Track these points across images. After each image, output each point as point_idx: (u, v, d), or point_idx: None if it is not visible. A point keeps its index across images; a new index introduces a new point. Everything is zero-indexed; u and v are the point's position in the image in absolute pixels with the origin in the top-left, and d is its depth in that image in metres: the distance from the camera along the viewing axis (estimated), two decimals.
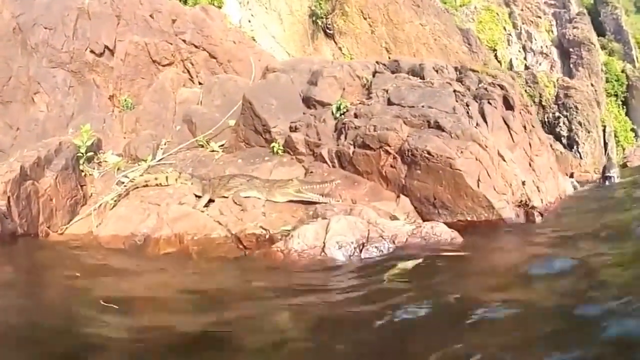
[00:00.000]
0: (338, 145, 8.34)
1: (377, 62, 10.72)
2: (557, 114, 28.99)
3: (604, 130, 30.98)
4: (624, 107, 36.40)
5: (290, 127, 9.31)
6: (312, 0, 17.56)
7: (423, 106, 8.06)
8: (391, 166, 7.48)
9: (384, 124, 7.77)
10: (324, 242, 5.43)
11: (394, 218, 6.58)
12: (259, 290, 4.65)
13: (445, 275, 4.53)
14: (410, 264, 4.64)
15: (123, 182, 8.44)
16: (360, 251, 5.36)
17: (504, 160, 7.35)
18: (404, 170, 7.31)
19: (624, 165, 31.01)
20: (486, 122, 8.09)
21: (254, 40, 14.73)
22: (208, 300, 4.27)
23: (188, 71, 12.46)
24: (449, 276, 4.48)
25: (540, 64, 34.11)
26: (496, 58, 31.47)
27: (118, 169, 9.01)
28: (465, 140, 7.15)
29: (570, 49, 34.72)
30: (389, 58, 17.54)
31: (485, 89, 8.84)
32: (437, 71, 9.64)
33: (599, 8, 42.50)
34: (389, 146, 7.49)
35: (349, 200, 7.28)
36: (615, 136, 33.15)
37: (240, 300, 4.25)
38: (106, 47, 11.66)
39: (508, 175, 7.19)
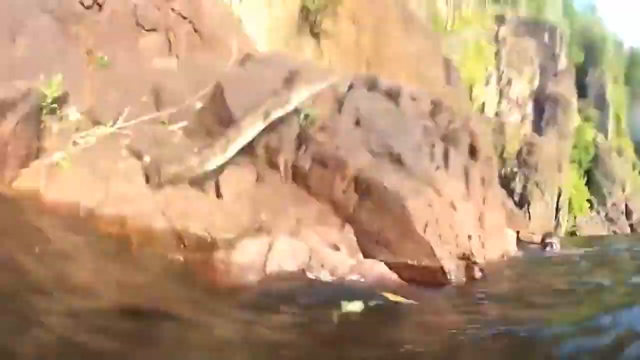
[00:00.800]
0: (297, 156, 8.02)
1: (355, 75, 10.62)
2: (515, 169, 29.12)
3: (559, 195, 30.99)
4: (585, 176, 37.03)
5: None
6: None
7: (390, 136, 7.94)
8: (343, 192, 7.26)
9: (346, 147, 7.66)
10: (265, 262, 5.61)
11: (335, 247, 6.53)
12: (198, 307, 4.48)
13: (389, 325, 4.57)
14: (357, 306, 4.59)
15: (79, 143, 7.80)
16: (301, 276, 5.62)
17: (456, 211, 7.30)
18: (355, 199, 7.11)
19: (572, 234, 31.90)
20: (447, 167, 8.02)
21: (240, 22, 14.14)
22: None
23: (169, 41, 11.72)
24: (391, 327, 4.52)
25: (512, 114, 34.55)
26: (470, 97, 31.01)
27: (77, 128, 8.23)
28: (423, 182, 7.13)
29: (545, 105, 34.86)
30: (367, 69, 17.32)
31: (455, 131, 8.87)
32: (413, 99, 9.54)
33: (587, 68, 42.69)
34: (346, 171, 7.24)
35: (295, 218, 7.07)
36: (570, 204, 33.45)
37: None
38: (95, 0, 10.76)
39: (456, 226, 7.08)
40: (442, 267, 6.35)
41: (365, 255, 6.63)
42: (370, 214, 6.86)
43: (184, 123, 9.30)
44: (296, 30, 16.40)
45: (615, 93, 46.31)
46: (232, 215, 6.89)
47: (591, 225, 35.16)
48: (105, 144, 8.14)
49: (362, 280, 5.81)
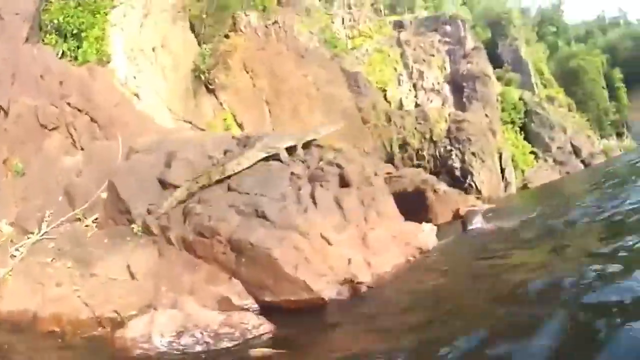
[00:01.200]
0: (184, 230, 8.69)
1: (233, 137, 11.09)
2: (448, 147, 29.47)
3: (500, 158, 31.84)
4: (522, 132, 38.40)
5: (148, 210, 9.52)
6: (197, 54, 17.78)
7: (256, 194, 8.60)
8: (223, 253, 8.00)
9: (217, 214, 8.39)
10: (150, 333, 6.19)
11: (225, 300, 7.40)
12: None
13: None
14: None
15: (15, 256, 8.78)
16: (179, 340, 6.11)
17: (329, 243, 7.83)
18: (233, 257, 7.85)
19: (524, 187, 33.21)
20: (316, 205, 8.49)
21: (138, 97, 15.02)
22: None
23: (72, 136, 12.29)
24: None
25: (431, 101, 34.98)
26: (386, 98, 32.33)
27: (11, 240, 9.25)
28: (287, 229, 7.74)
29: (464, 84, 35.80)
30: (269, 113, 18.72)
31: (322, 169, 9.26)
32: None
33: (496, 41, 45.10)
34: (220, 237, 8.03)
35: (189, 283, 7.86)
36: (514, 160, 34.48)
37: None
38: (1, 107, 11.39)
39: (330, 257, 7.65)
40: (322, 297, 7.07)
41: (256, 300, 7.42)
42: (248, 267, 7.59)
43: (95, 216, 10.19)
44: (193, 91, 16.90)
45: (530, 52, 48.63)
46: (141, 292, 7.78)
47: (541, 174, 36.03)
48: (35, 250, 9.05)
49: (232, 331, 6.23)
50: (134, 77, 15.51)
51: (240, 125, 17.11)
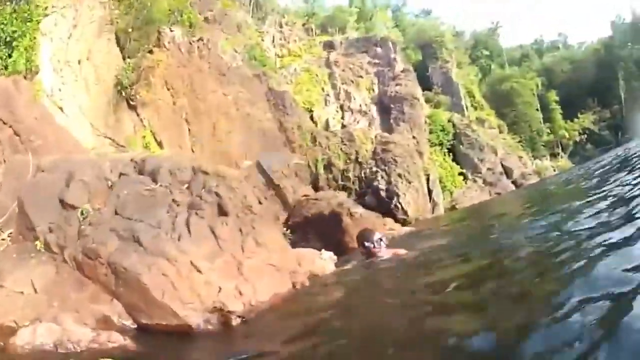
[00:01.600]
0: (75, 249, 8.57)
1: (131, 160, 10.71)
2: (374, 168, 29.62)
3: (427, 179, 32.26)
4: (451, 154, 39.14)
5: (49, 228, 9.28)
6: (120, 69, 17.37)
7: (136, 219, 8.51)
8: (105, 274, 7.92)
9: (100, 237, 8.29)
10: (33, 342, 6.59)
11: (106, 319, 7.31)
12: None
13: None
14: None
15: None
16: (57, 351, 6.45)
17: (199, 271, 7.59)
18: (113, 279, 7.80)
19: (452, 208, 33.66)
20: (190, 232, 8.25)
21: (62, 110, 14.66)
22: None
23: None
24: None
25: (358, 122, 35.25)
26: (312, 119, 32.44)
27: None
28: (157, 256, 7.65)
29: (392, 105, 36.25)
30: (189, 131, 18.52)
31: (201, 197, 9.00)
32: (172, 174, 9.75)
33: (427, 63, 46.19)
34: (101, 259, 7.95)
35: (75, 300, 7.83)
36: (442, 182, 35.18)
37: None
38: None
39: (199, 285, 7.46)
40: (189, 325, 6.96)
41: (135, 321, 7.39)
42: (125, 289, 7.62)
43: (10, 230, 9.88)
44: (114, 106, 16.58)
45: (461, 75, 50.06)
46: (36, 305, 7.83)
47: (470, 194, 36.88)
48: None
49: (99, 347, 6.51)
50: (59, 90, 15.15)
51: (159, 143, 16.83)
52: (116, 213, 8.99)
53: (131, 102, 17.07)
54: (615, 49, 68.75)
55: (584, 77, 69.63)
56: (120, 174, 10.11)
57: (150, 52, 19.36)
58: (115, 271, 7.74)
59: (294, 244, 14.75)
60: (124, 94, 16.82)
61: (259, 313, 7.31)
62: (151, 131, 17.03)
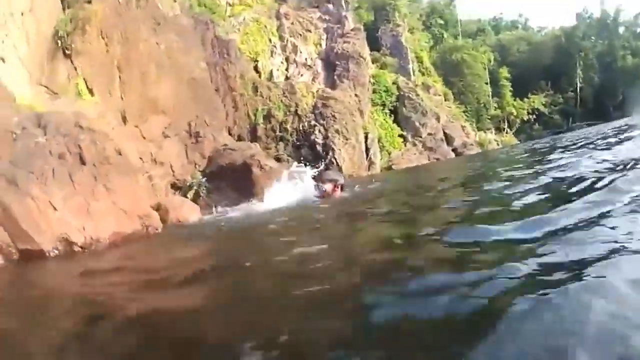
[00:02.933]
0: None
1: (37, 114, 11.62)
2: (313, 122, 30.14)
3: (366, 137, 33.04)
4: (392, 115, 39.98)
5: None
6: (58, 19, 17.41)
7: (20, 167, 9.52)
8: None
9: None
10: None
11: None
12: None
13: None
14: None
15: None
16: None
17: (55, 209, 9.13)
18: (1, 211, 8.84)
19: (389, 168, 34.65)
20: (54, 177, 9.65)
21: (3, 61, 14.93)
22: None
23: None
24: None
25: (302, 75, 35.44)
26: (256, 69, 32.66)
27: None
28: (25, 195, 9.01)
29: (337, 62, 36.64)
30: (120, 78, 18.94)
31: (68, 148, 10.34)
32: (56, 128, 10.77)
33: (378, 25, 46.64)
34: None
35: None
36: (381, 142, 36.04)
37: None
38: None
39: (52, 220, 9.00)
40: (42, 249, 8.58)
41: (16, 246, 8.70)
42: (6, 220, 8.81)
43: None
44: (51, 56, 16.67)
45: (412, 40, 50.92)
46: None
47: (409, 157, 37.80)
48: None
49: None
50: (2, 42, 15.31)
51: (91, 91, 17.24)
52: (10, 162, 9.93)
53: (67, 52, 17.09)
54: (577, 39, 71.21)
55: (540, 59, 71.85)
56: (23, 128, 10.91)
57: (89, 2, 19.61)
58: (1, 205, 8.88)
59: (209, 192, 15.92)
60: (60, 43, 16.90)
61: (98, 246, 9.14)
62: (84, 79, 16.94)
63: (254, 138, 28.68)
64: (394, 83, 41.00)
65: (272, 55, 35.05)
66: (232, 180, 16.35)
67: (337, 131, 30.11)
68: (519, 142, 56.05)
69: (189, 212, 12.08)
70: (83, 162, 10.19)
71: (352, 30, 39.48)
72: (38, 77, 16.16)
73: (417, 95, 41.68)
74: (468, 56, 58.16)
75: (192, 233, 10.65)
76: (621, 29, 77.00)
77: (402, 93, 40.84)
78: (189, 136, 18.14)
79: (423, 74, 50.11)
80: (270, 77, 33.59)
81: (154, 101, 18.17)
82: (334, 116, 30.41)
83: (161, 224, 10.71)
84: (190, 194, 16.35)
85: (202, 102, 20.80)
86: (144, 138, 16.95)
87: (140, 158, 16.08)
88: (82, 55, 17.27)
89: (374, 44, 44.64)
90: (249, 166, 16.33)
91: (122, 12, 19.84)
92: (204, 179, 16.65)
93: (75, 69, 17.08)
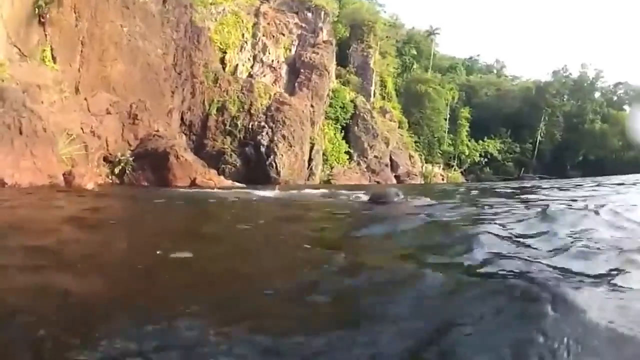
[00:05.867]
0: None
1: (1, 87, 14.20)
2: (262, 123, 31.06)
3: (311, 148, 34.11)
4: (343, 131, 41.20)
5: None
6: None
7: None
8: None
9: None
10: None
11: None
12: None
13: None
14: None
15: None
16: None
17: None
18: None
19: (328, 181, 35.30)
20: (2, 139, 12.85)
21: None
22: None
23: None
24: None
25: (265, 76, 36.46)
26: (223, 61, 33.77)
27: None
28: None
29: (301, 70, 37.88)
30: (82, 52, 20.05)
31: (12, 117, 13.28)
32: (5, 98, 13.52)
33: (351, 42, 47.88)
34: None
35: None
36: (325, 155, 37.18)
37: None
38: None
39: None
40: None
41: None
42: None
43: None
44: (28, 21, 17.55)
45: (382, 63, 52.67)
46: None
47: (349, 175, 38.89)
48: None
49: None
50: None
51: (54, 59, 18.52)
52: None
53: (42, 20, 18.23)
54: (548, 95, 72.20)
55: (505, 107, 73.38)
56: None
57: None
58: None
59: (133, 170, 17.59)
60: (37, 11, 17.97)
61: (20, 189, 11.99)
62: (51, 47, 18.09)
63: (204, 127, 29.94)
64: (351, 101, 42.31)
65: (241, 51, 36.06)
66: (153, 164, 17.96)
67: (283, 136, 31.04)
68: (466, 180, 57.66)
69: (87, 180, 14.39)
70: (21, 133, 13.18)
71: (324, 42, 40.78)
72: (14, 38, 17.27)
73: (372, 117, 43.11)
74: (432, 90, 59.68)
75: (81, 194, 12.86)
76: (597, 94, 78.29)
77: (357, 112, 42.22)
78: (128, 117, 19.61)
79: (383, 98, 51.89)
80: (235, 71, 34.61)
81: (106, 79, 19.58)
82: (284, 121, 31.35)
83: (65, 183, 13.91)
84: (118, 169, 17.88)
85: (150, 88, 22.25)
86: (89, 111, 18.31)
87: (82, 129, 17.40)
88: (54, 25, 18.50)
89: (343, 60, 46.13)
90: (167, 154, 17.93)
91: None
92: (131, 158, 18.14)
93: (46, 36, 18.30)
